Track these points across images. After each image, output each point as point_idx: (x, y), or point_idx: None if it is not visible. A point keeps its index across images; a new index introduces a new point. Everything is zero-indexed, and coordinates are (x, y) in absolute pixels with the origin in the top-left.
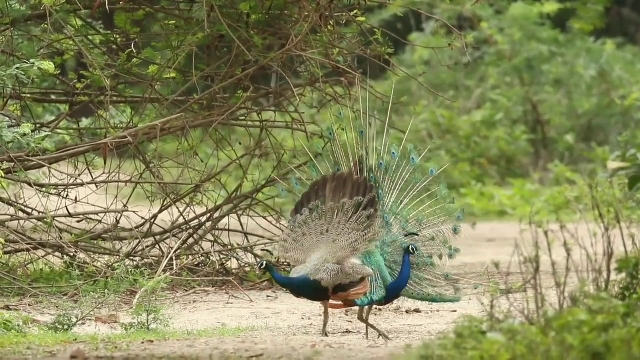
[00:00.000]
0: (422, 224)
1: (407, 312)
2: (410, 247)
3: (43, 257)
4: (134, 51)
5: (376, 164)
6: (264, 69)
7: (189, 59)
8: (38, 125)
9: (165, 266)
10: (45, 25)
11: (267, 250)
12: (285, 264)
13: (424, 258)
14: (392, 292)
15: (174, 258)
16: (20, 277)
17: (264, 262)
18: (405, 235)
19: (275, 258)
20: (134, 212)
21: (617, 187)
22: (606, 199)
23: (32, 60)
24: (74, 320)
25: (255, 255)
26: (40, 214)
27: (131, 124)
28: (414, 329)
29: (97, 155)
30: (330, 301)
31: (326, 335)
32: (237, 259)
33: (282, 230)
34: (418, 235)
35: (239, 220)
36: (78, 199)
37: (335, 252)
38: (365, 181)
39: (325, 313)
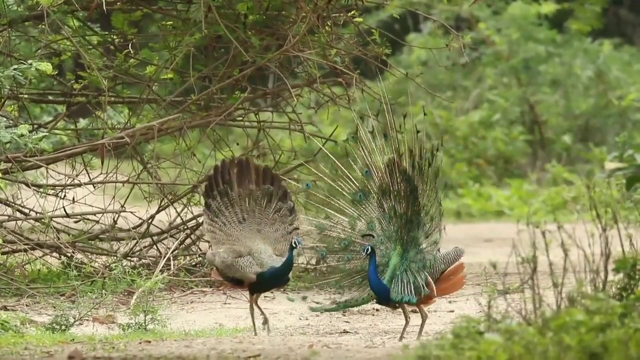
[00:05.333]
0: (436, 226)
1: None
2: (366, 249)
3: (40, 257)
4: (132, 52)
5: (410, 166)
6: (262, 70)
7: (187, 59)
8: (35, 126)
9: (163, 266)
10: (43, 26)
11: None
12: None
13: (422, 262)
14: (377, 296)
15: (171, 258)
16: (17, 277)
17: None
18: (362, 236)
19: None
20: (131, 212)
21: (614, 188)
22: (603, 199)
23: (29, 61)
24: (72, 320)
25: None
26: (38, 214)
27: (128, 124)
28: (412, 329)
29: (95, 155)
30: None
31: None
32: None
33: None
34: (374, 236)
35: None
36: (75, 200)
37: (271, 243)
38: (269, 170)
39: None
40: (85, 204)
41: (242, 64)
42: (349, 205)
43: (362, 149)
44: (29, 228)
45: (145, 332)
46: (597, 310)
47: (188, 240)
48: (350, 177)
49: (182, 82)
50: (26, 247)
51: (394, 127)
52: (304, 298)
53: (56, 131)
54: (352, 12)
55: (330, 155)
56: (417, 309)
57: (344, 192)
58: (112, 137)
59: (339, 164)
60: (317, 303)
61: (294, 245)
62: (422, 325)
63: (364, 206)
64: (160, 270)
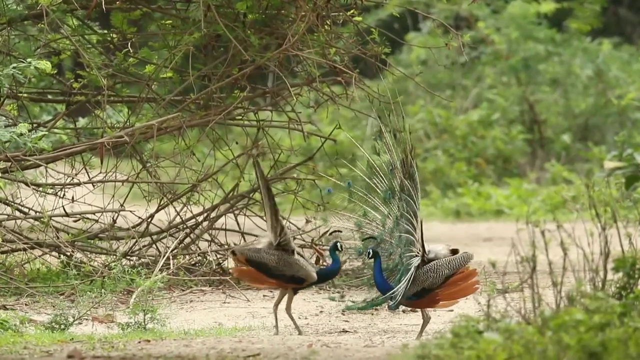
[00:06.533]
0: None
1: (403, 311)
2: (368, 252)
3: (40, 256)
4: (131, 51)
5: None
6: (261, 69)
7: (186, 58)
8: (35, 125)
9: (162, 266)
10: (42, 25)
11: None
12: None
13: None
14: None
15: (170, 257)
16: (17, 276)
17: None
18: (363, 240)
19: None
20: (130, 211)
21: (613, 187)
22: (603, 198)
23: (28, 60)
24: (71, 319)
25: None
26: (37, 213)
27: (128, 123)
28: (411, 329)
29: (94, 154)
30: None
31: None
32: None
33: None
34: (376, 239)
35: (236, 220)
36: (75, 199)
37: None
38: (258, 163)
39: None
40: (84, 203)
41: (241, 63)
42: (381, 203)
43: (386, 147)
44: (29, 227)
45: (145, 331)
46: (596, 310)
47: (187, 240)
48: (382, 175)
49: (181, 81)
50: (25, 246)
51: (401, 127)
52: (342, 297)
53: (55, 130)
54: (352, 11)
55: (366, 153)
56: (420, 310)
57: (378, 190)
58: (111, 136)
59: (372, 161)
60: (353, 302)
61: (340, 249)
62: (423, 326)
63: (391, 204)
64: (160, 270)
